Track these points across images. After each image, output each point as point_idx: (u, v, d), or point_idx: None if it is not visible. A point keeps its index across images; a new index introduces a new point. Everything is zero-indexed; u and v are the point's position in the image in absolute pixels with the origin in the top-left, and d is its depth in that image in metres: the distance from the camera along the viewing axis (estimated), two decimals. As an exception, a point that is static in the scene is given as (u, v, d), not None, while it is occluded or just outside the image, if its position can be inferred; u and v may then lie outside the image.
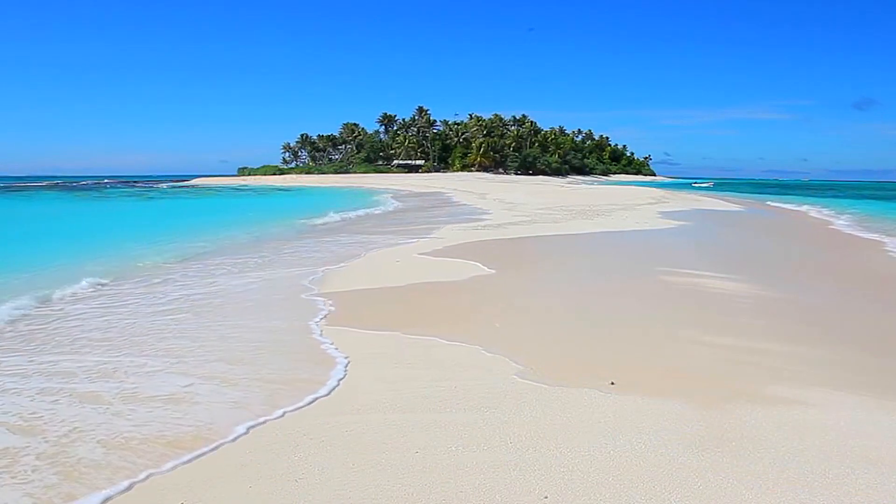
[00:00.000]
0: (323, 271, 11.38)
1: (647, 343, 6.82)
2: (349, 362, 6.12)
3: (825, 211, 32.11)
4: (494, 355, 6.27)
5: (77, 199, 51.13)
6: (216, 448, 4.38)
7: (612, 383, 5.48)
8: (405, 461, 4.10)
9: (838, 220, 26.39)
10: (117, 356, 6.40)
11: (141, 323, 7.80)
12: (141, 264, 12.30)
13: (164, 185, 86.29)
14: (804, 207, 35.50)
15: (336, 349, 6.56)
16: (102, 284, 10.22)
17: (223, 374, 5.83)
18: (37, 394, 5.37)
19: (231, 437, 4.53)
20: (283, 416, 4.90)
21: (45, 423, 4.76)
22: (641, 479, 3.86)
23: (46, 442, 4.44)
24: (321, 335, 7.13)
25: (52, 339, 7.07)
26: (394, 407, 5.01)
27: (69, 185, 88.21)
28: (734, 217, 28.92)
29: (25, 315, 8.18)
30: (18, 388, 5.50)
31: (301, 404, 5.11)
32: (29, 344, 6.92)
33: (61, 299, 9.11)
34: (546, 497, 3.65)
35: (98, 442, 4.45)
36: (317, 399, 5.23)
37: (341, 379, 5.69)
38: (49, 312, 8.34)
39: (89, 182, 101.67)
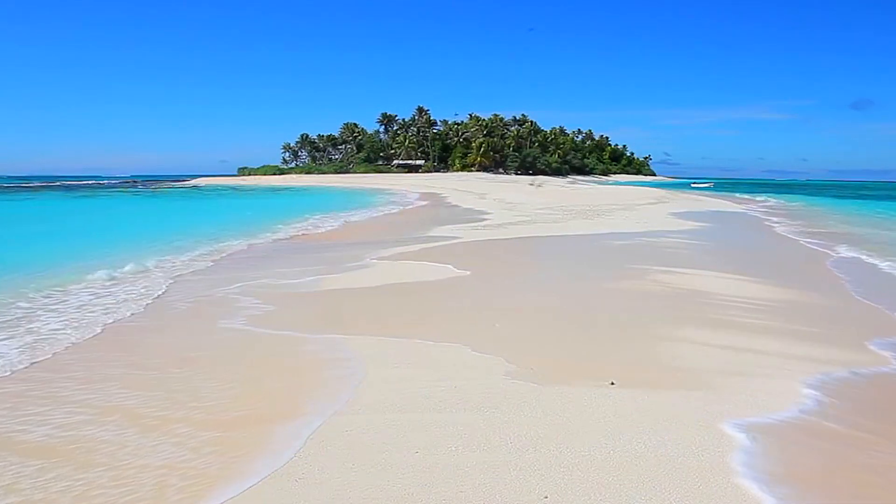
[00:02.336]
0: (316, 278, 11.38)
1: (646, 343, 6.81)
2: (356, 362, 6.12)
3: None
4: (493, 356, 6.26)
5: (133, 197, 51.45)
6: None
7: (612, 383, 5.48)
8: (405, 461, 4.11)
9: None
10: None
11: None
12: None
13: (202, 182, 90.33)
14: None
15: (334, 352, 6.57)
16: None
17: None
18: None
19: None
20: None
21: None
22: (642, 479, 3.87)
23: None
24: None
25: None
26: (394, 407, 5.01)
27: (71, 185, 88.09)
28: (744, 218, 28.89)
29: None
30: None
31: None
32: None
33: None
34: (546, 497, 3.65)
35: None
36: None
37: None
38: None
39: (116, 182, 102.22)
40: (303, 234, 19.24)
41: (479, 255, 13.76)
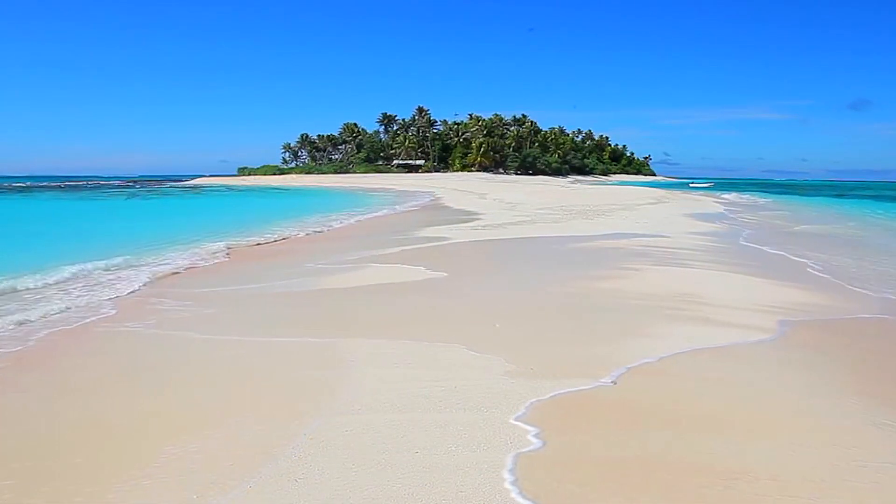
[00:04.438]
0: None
1: (645, 342, 6.80)
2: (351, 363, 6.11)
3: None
4: (491, 356, 6.25)
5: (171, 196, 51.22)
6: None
7: (614, 383, 5.47)
8: (405, 461, 4.10)
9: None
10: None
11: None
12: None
13: (202, 182, 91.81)
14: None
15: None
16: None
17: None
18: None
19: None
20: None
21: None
22: (644, 479, 3.86)
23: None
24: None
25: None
26: (393, 407, 5.00)
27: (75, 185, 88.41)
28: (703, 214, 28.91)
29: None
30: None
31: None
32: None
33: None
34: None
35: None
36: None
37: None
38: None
39: (115, 182, 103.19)
40: (283, 239, 18.29)
41: (469, 257, 13.74)
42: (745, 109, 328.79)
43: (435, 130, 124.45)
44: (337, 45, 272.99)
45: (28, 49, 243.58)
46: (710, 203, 38.68)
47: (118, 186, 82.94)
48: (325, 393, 5.31)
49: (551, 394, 5.21)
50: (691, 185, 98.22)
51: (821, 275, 11.60)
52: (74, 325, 7.73)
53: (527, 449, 4.25)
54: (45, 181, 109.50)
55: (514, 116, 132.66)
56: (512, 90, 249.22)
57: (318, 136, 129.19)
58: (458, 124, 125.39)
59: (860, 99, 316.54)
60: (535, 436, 4.43)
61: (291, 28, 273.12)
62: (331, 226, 22.52)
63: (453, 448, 4.27)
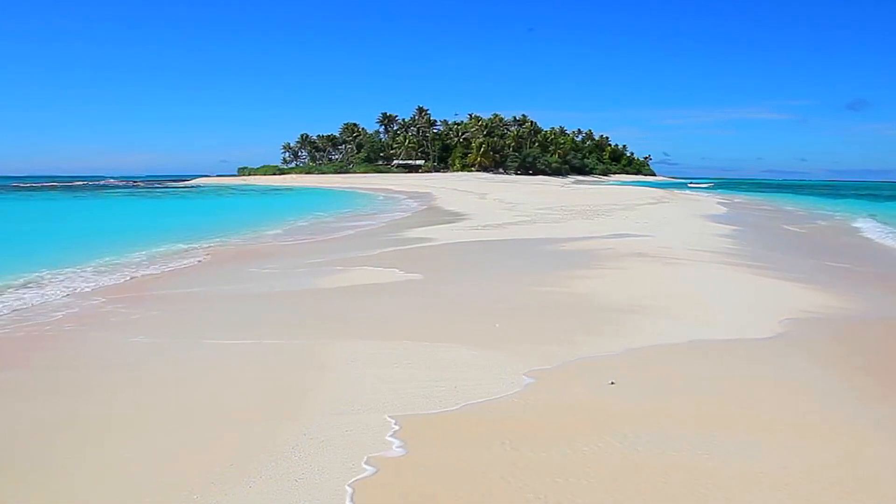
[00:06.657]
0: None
1: (644, 340, 6.80)
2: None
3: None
4: (491, 354, 6.26)
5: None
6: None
7: (612, 383, 5.48)
8: (405, 461, 4.10)
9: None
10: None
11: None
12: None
13: (202, 182, 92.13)
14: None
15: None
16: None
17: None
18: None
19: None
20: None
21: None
22: (646, 480, 3.86)
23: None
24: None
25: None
26: (392, 407, 5.00)
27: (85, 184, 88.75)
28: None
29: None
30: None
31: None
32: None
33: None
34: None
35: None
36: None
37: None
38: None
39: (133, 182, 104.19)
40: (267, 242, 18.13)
41: (459, 258, 13.72)
42: (744, 109, 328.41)
43: (435, 130, 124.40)
44: (337, 45, 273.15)
45: (29, 49, 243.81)
46: (709, 203, 38.75)
47: (122, 187, 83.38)
48: (317, 392, 5.33)
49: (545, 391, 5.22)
50: (690, 185, 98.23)
51: (818, 274, 11.61)
52: (63, 325, 7.76)
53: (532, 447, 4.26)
54: (45, 181, 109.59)
55: (514, 116, 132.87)
56: (512, 90, 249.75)
57: (318, 136, 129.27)
58: (458, 124, 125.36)
59: (858, 99, 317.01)
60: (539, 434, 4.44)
61: (291, 28, 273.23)
62: (319, 227, 22.38)
63: (453, 448, 4.28)
